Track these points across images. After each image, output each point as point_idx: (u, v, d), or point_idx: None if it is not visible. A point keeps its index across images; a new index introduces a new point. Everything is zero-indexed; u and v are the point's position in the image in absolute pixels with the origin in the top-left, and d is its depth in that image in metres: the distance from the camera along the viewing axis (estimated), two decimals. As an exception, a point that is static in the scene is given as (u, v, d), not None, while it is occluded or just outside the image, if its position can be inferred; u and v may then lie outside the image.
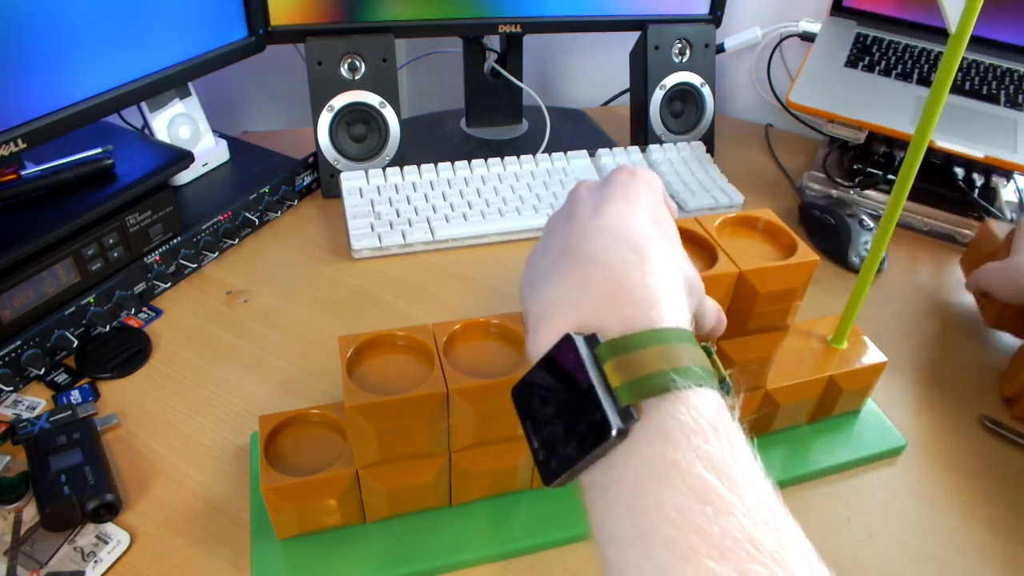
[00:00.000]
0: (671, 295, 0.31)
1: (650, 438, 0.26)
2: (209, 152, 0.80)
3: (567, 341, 0.29)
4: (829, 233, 0.80)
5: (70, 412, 0.55)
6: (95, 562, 0.46)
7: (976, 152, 0.79)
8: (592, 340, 0.29)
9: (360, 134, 0.83)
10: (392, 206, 0.78)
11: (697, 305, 0.36)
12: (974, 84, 0.90)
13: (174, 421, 0.57)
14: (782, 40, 1.06)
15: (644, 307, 0.29)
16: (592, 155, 0.89)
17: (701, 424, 0.26)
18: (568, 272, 0.32)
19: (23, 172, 0.60)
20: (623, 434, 0.27)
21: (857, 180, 0.88)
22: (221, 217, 0.73)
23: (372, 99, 0.82)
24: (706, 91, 0.93)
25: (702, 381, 0.28)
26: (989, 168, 0.85)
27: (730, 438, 0.26)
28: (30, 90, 0.57)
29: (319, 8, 0.79)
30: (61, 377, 0.59)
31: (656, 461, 0.26)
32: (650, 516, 0.25)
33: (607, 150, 0.89)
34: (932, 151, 0.81)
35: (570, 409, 0.28)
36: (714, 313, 0.39)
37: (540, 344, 0.30)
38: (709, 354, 0.30)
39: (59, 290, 0.59)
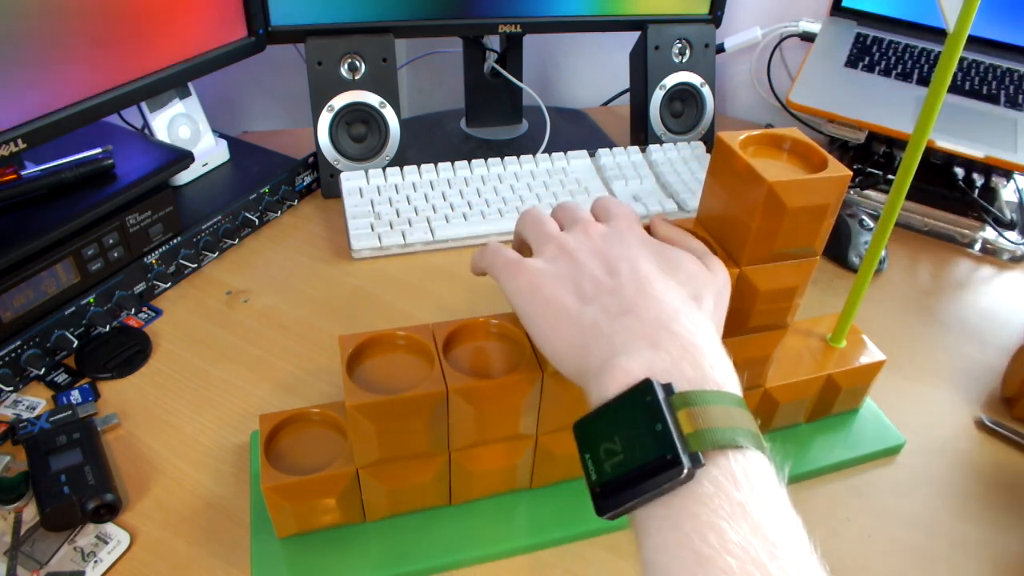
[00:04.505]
0: (725, 360, 0.34)
1: (715, 479, 0.29)
2: (209, 152, 0.80)
3: (646, 386, 0.32)
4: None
5: (70, 412, 0.55)
6: (95, 562, 0.46)
7: (976, 152, 0.79)
8: (668, 389, 0.32)
9: (360, 134, 0.83)
10: (392, 206, 0.78)
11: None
12: (974, 84, 0.90)
13: (174, 421, 0.57)
14: (782, 40, 1.06)
15: (708, 370, 0.33)
16: (592, 155, 0.89)
17: (761, 477, 0.30)
18: (637, 332, 0.35)
19: (23, 172, 0.61)
20: (691, 474, 0.29)
21: (857, 180, 0.88)
22: (221, 217, 0.73)
23: (372, 99, 0.82)
24: (706, 91, 0.93)
25: (759, 447, 0.31)
26: (989, 168, 0.85)
27: (783, 496, 0.30)
28: (30, 90, 0.57)
29: (319, 8, 0.79)
30: (61, 377, 0.59)
31: (721, 501, 0.29)
32: (712, 547, 0.27)
33: (607, 150, 0.89)
34: (932, 151, 0.81)
35: (640, 448, 0.31)
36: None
37: (610, 387, 0.33)
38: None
39: (59, 290, 0.59)
